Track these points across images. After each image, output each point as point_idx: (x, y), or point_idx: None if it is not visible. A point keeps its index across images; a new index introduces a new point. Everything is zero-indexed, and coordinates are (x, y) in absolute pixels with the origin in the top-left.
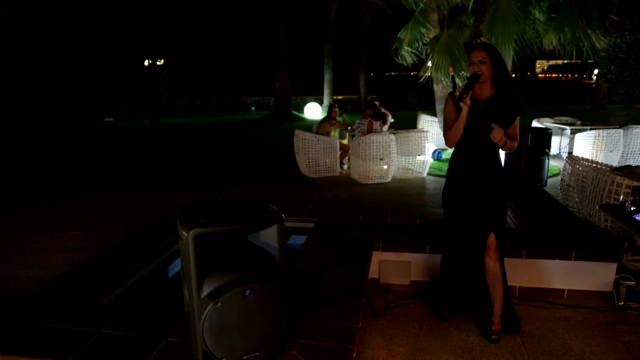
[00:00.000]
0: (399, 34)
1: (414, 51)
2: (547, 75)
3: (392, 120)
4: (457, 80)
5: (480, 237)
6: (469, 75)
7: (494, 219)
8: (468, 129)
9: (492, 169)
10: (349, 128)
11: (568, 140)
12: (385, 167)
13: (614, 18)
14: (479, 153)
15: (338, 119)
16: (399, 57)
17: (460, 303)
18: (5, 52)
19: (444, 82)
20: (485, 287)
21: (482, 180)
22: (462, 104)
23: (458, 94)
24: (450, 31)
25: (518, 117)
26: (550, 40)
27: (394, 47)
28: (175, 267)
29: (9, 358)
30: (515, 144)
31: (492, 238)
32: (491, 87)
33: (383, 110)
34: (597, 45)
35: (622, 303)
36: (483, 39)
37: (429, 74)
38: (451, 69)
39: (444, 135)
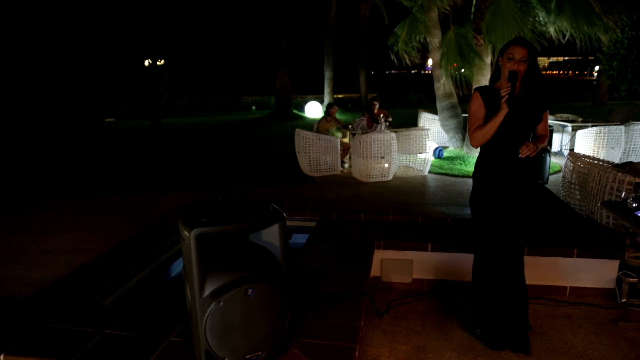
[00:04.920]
0: (395, 29)
1: (410, 49)
2: (547, 72)
3: (391, 119)
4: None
5: (509, 242)
6: (508, 74)
7: (523, 224)
8: (498, 128)
9: (522, 170)
10: (349, 127)
11: (569, 137)
12: (386, 165)
13: (612, 19)
14: (509, 153)
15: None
16: (395, 53)
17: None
18: (6, 53)
19: (445, 79)
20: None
21: (515, 182)
22: (504, 106)
23: (506, 95)
24: (457, 28)
25: (547, 112)
26: (559, 32)
27: (390, 43)
28: (178, 266)
29: (12, 359)
30: (546, 140)
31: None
32: (520, 84)
33: (382, 114)
34: (606, 36)
35: (625, 300)
36: (481, 37)
37: (442, 71)
38: (453, 66)
39: (472, 134)
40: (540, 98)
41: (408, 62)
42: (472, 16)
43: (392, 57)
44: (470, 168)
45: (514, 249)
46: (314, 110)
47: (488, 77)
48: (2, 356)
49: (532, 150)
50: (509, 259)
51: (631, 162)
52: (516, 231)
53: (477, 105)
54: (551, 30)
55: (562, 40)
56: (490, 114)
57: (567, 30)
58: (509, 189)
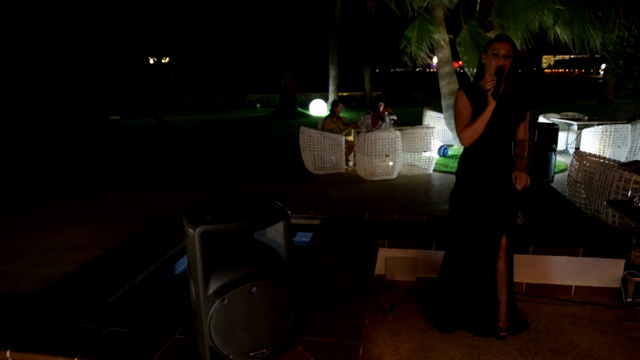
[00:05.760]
0: (405, 32)
1: (422, 50)
2: (553, 70)
3: (395, 117)
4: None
5: (493, 239)
6: (495, 70)
7: (509, 220)
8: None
9: (506, 167)
10: (355, 124)
11: (575, 135)
12: (391, 163)
13: (621, 20)
14: (493, 150)
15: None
16: (408, 55)
17: (463, 316)
18: (12, 51)
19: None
20: (491, 287)
21: (498, 180)
22: (492, 100)
23: (492, 89)
24: (470, 26)
25: (529, 113)
26: (559, 33)
27: (402, 46)
28: (182, 264)
29: (18, 355)
30: (526, 145)
31: (503, 239)
32: (503, 82)
33: (387, 112)
34: (605, 40)
35: (630, 299)
36: (493, 32)
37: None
38: (456, 64)
39: (461, 133)
40: (524, 96)
41: (421, 62)
42: (477, 14)
43: (405, 59)
44: None
45: (494, 245)
46: (318, 108)
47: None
48: (8, 352)
49: (526, 179)
50: (487, 255)
51: (637, 161)
52: (498, 228)
53: (463, 103)
54: (553, 29)
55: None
56: (477, 111)
57: (566, 33)
58: (493, 186)
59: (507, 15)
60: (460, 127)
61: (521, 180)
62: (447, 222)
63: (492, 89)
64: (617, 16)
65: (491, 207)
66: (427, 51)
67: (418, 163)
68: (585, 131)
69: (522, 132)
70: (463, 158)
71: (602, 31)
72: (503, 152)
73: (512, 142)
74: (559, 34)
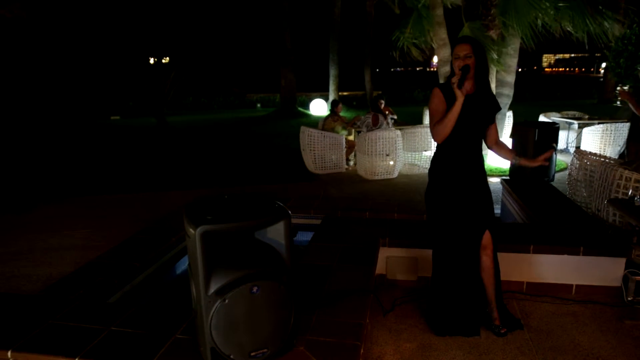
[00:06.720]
0: (401, 24)
1: (414, 46)
2: (553, 69)
3: (395, 116)
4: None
5: (476, 235)
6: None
7: (488, 216)
8: (455, 125)
9: (479, 165)
10: (354, 124)
11: (575, 134)
12: (391, 163)
13: (623, 9)
14: (464, 149)
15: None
16: (400, 49)
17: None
18: (12, 52)
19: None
20: (480, 285)
21: (469, 178)
22: (459, 93)
23: (457, 81)
24: (471, 23)
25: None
26: (562, 29)
27: (394, 38)
28: (183, 264)
29: (19, 355)
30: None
31: (487, 236)
32: (474, 83)
33: (387, 112)
34: (609, 34)
35: (631, 298)
36: (493, 31)
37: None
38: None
39: (433, 129)
40: (491, 98)
41: (415, 56)
42: (478, 12)
43: (395, 54)
44: None
45: (476, 242)
46: (318, 107)
47: (515, 61)
48: (9, 352)
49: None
50: (469, 251)
51: (638, 160)
52: (478, 225)
53: (438, 100)
54: (558, 21)
55: (569, 35)
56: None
57: (569, 26)
58: (465, 183)
59: (510, 14)
60: (432, 123)
61: (542, 158)
62: (428, 222)
63: (457, 81)
64: (620, 8)
65: (467, 205)
66: (419, 48)
67: (419, 162)
68: (585, 130)
69: (495, 135)
70: (435, 157)
71: (605, 24)
72: (473, 151)
73: (481, 143)
74: (564, 28)
